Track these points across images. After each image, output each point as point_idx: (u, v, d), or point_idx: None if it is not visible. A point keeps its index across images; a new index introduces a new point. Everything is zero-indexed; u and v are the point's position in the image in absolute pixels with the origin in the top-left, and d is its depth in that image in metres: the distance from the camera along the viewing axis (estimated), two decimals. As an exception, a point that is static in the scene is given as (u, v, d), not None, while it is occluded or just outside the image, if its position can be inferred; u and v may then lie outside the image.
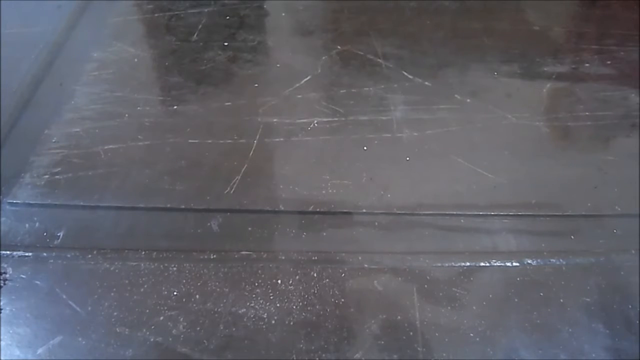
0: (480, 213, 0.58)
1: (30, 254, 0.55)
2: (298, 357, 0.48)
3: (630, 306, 0.52)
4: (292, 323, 0.51)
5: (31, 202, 0.60)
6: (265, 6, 0.88)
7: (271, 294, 0.53)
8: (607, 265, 0.54)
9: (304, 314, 0.51)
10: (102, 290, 0.52)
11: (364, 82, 0.74)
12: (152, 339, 0.49)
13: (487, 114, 0.70)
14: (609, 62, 0.77)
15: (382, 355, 0.49)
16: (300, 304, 0.52)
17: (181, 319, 0.50)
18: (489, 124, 0.69)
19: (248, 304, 0.52)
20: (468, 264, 0.55)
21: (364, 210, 0.59)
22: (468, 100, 0.72)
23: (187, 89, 0.73)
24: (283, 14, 0.87)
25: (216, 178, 0.62)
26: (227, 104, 0.71)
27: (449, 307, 0.51)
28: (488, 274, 0.54)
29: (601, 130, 0.68)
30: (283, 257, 0.55)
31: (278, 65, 0.77)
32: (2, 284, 0.53)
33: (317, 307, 0.52)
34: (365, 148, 0.66)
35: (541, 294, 0.52)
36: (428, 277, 0.53)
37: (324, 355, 0.49)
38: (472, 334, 0.50)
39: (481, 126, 0.68)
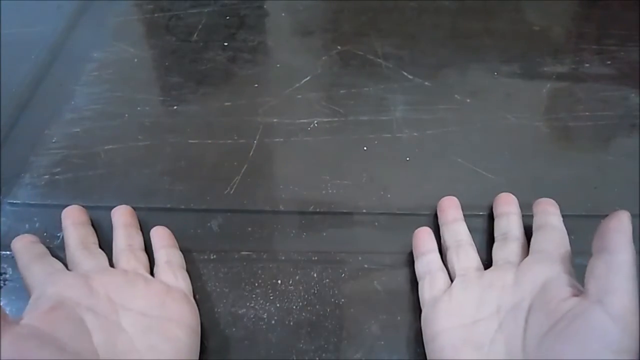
0: (480, 213, 0.58)
1: (30, 254, 0.55)
2: (298, 357, 0.48)
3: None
4: (292, 323, 0.51)
5: (31, 202, 0.60)
6: (265, 6, 0.88)
7: (271, 294, 0.53)
8: (607, 266, 0.54)
9: (304, 314, 0.51)
10: (102, 290, 0.52)
11: (364, 82, 0.74)
12: (152, 339, 0.48)
13: (487, 114, 0.70)
14: (609, 62, 0.77)
15: (382, 355, 0.49)
16: (300, 304, 0.52)
17: (181, 319, 0.50)
18: (489, 124, 0.69)
19: (248, 304, 0.52)
20: (468, 264, 0.54)
21: (364, 211, 0.59)
22: (468, 100, 0.72)
23: (187, 89, 0.73)
24: (283, 14, 0.87)
25: (216, 178, 0.62)
26: (227, 104, 0.71)
27: (449, 307, 0.51)
28: (488, 274, 0.54)
29: (601, 130, 0.68)
30: (283, 258, 0.55)
31: (278, 66, 0.77)
32: (2, 284, 0.53)
33: (317, 307, 0.52)
34: (365, 148, 0.66)
35: (541, 294, 0.52)
36: (428, 277, 0.53)
37: (324, 355, 0.49)
38: (472, 334, 0.49)
39: (481, 126, 0.68)
